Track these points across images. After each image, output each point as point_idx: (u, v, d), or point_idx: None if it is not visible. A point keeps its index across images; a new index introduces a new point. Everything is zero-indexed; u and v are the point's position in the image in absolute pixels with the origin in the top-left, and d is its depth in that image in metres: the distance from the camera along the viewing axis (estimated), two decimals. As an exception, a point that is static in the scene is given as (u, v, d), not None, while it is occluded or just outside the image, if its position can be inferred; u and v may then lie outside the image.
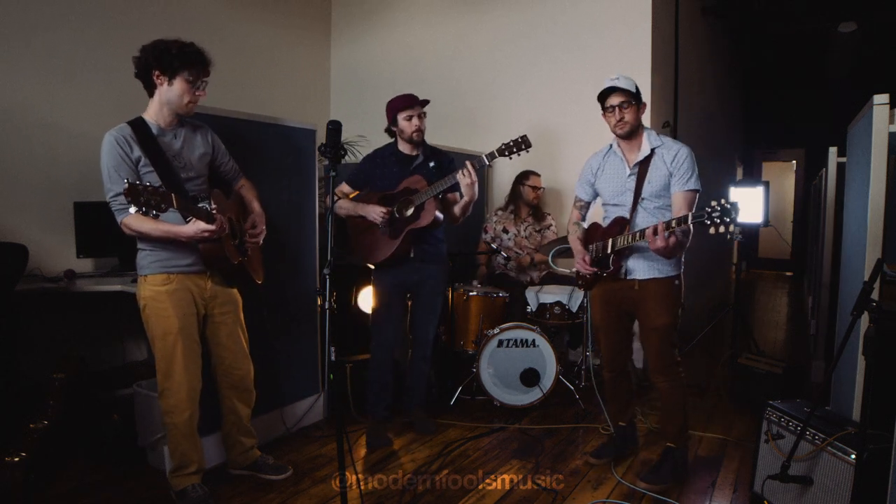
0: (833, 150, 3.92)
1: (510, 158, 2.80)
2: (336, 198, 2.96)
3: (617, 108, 2.47)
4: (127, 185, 1.81)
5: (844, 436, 2.02)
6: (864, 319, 1.88)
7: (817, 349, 4.06)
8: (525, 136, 2.76)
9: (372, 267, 3.09)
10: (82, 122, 3.51)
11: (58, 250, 3.33)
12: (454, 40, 4.94)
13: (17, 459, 2.31)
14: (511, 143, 2.76)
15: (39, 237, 3.24)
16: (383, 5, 5.31)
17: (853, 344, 2.24)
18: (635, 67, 4.10)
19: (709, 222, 2.12)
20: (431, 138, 4.34)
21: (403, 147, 3.00)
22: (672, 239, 2.29)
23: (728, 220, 2.08)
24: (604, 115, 2.54)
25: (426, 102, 2.97)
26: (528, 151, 2.77)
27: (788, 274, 10.28)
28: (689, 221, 2.20)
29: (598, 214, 2.74)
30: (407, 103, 2.91)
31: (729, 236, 2.32)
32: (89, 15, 3.60)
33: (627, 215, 2.52)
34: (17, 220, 3.22)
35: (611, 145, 2.63)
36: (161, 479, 2.48)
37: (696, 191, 2.45)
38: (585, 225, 2.75)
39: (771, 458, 2.26)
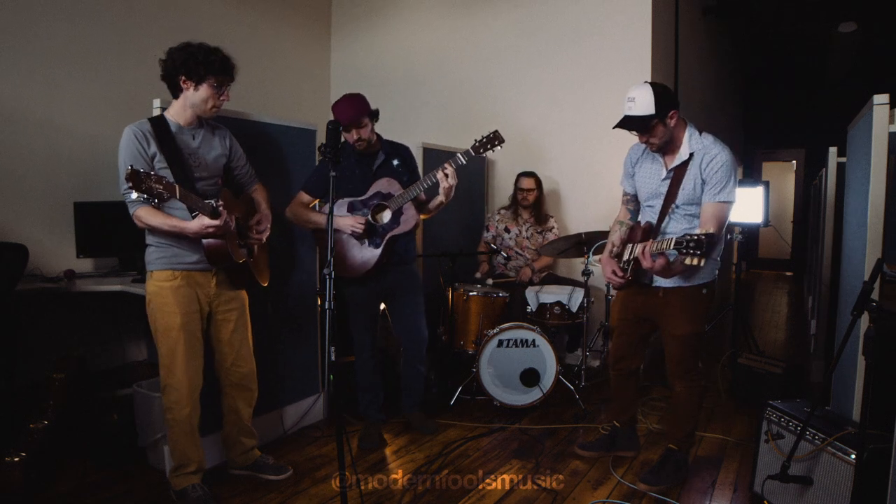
0: (833, 150, 3.92)
1: (485, 155, 2.74)
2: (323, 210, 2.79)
3: (638, 135, 2.36)
4: (129, 169, 1.85)
5: (844, 436, 2.02)
6: (864, 319, 1.88)
7: (817, 349, 4.06)
8: (497, 131, 2.69)
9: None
10: (82, 122, 3.51)
11: (58, 250, 3.33)
12: (454, 40, 4.94)
13: (17, 459, 2.32)
14: (484, 140, 2.68)
15: (39, 237, 3.25)
16: (383, 5, 5.31)
17: (853, 344, 2.24)
18: (635, 67, 4.10)
19: (684, 252, 2.01)
20: (431, 138, 4.37)
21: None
22: (660, 261, 2.18)
23: (699, 252, 1.97)
24: None
25: (365, 110, 2.72)
26: (501, 147, 2.67)
27: (788, 274, 10.28)
28: (665, 249, 2.11)
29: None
30: (343, 120, 2.64)
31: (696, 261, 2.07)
32: (90, 15, 3.60)
33: (655, 221, 2.43)
34: (17, 220, 3.22)
35: None
36: (161, 479, 2.48)
37: (727, 203, 2.28)
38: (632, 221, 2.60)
39: (771, 458, 2.26)
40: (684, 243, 1.99)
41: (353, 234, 2.75)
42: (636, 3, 4.14)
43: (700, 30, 5.85)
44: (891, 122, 2.19)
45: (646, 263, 2.22)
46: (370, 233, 2.78)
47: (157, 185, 1.90)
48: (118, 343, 3.63)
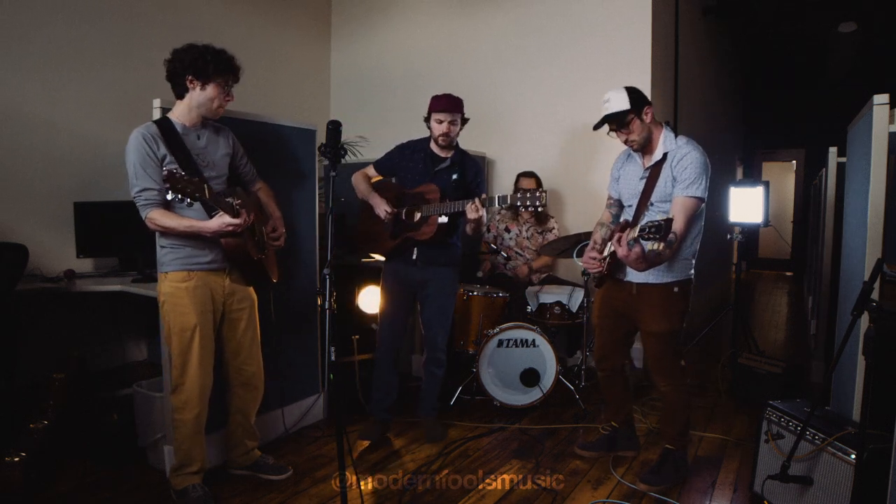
0: (833, 150, 3.92)
1: (521, 209, 2.74)
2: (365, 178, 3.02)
3: (617, 133, 2.45)
4: (166, 172, 1.94)
5: (844, 436, 2.02)
6: (864, 319, 1.88)
7: (817, 349, 4.06)
8: (545, 191, 2.60)
9: (378, 258, 3.12)
10: (82, 122, 3.51)
11: (58, 250, 3.32)
12: (454, 41, 4.93)
13: (17, 459, 2.32)
14: (527, 194, 2.59)
15: (39, 237, 3.24)
16: (383, 5, 5.30)
17: (853, 344, 2.24)
18: (635, 67, 4.10)
19: (646, 237, 2.09)
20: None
21: (434, 146, 2.95)
22: (636, 249, 2.23)
23: (658, 236, 2.04)
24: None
25: (462, 112, 2.93)
26: (540, 207, 2.61)
27: (788, 274, 10.28)
28: (633, 236, 2.18)
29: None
30: (441, 106, 2.86)
31: (661, 246, 2.14)
32: (90, 15, 3.60)
33: (632, 217, 2.50)
34: (17, 220, 3.22)
35: None
36: (161, 479, 2.48)
37: (696, 198, 2.34)
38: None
39: (771, 458, 2.26)
40: (646, 229, 2.08)
41: (379, 217, 2.90)
42: (636, 3, 4.13)
43: (700, 30, 5.85)
44: (891, 122, 2.19)
45: (621, 252, 2.28)
46: (396, 223, 2.90)
47: (189, 186, 1.96)
48: (118, 343, 3.63)
